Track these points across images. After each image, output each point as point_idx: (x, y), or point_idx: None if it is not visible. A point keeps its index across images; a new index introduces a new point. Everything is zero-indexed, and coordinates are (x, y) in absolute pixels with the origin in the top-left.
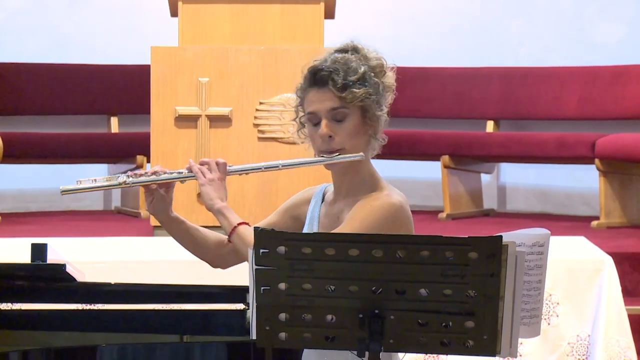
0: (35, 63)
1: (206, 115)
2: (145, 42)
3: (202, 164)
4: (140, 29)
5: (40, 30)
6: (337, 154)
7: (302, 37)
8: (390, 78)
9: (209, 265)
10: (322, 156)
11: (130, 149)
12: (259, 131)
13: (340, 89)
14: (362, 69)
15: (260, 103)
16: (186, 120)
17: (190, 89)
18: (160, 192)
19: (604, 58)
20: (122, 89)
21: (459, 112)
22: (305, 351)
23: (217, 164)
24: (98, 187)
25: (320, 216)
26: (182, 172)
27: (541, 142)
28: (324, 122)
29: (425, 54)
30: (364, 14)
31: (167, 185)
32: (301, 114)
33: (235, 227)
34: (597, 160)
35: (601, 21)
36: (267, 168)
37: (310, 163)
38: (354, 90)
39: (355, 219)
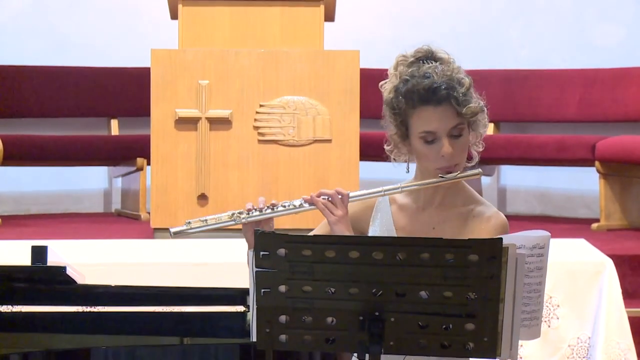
0: (35, 65)
1: (206, 118)
2: (146, 45)
3: (321, 195)
4: (141, 32)
5: (41, 32)
6: (456, 173)
7: (302, 39)
8: (464, 75)
9: (209, 268)
10: (441, 176)
11: (130, 152)
12: (259, 134)
13: (461, 106)
14: (467, 80)
15: (261, 105)
16: (186, 123)
17: (190, 92)
18: (269, 224)
19: (604, 60)
20: (122, 92)
21: None
22: None
23: (340, 194)
24: (209, 227)
25: (400, 225)
26: (298, 205)
27: (541, 145)
28: (446, 141)
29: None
30: (364, 16)
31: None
32: (401, 129)
33: None
34: (597, 163)
35: (601, 23)
36: (387, 191)
37: (430, 184)
38: (471, 105)
39: None
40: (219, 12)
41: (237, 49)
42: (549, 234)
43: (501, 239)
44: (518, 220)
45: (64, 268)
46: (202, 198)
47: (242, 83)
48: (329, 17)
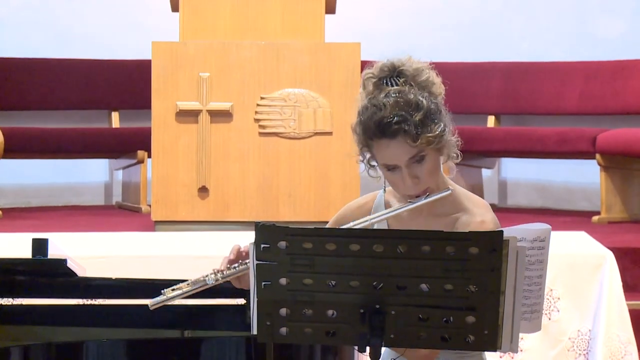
0: (36, 58)
1: (207, 110)
2: (146, 37)
3: None
4: (141, 24)
5: (42, 25)
6: (425, 195)
7: (303, 31)
8: (438, 84)
9: (210, 260)
10: (410, 201)
11: (131, 144)
12: (260, 126)
13: (415, 138)
14: (424, 102)
15: (261, 98)
16: (187, 115)
17: (191, 84)
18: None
19: (605, 53)
20: (123, 84)
21: (460, 107)
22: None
23: None
24: (186, 293)
25: None
26: None
27: (542, 137)
28: (405, 172)
29: (426, 48)
30: (365, 8)
31: None
32: (368, 155)
33: None
34: (598, 155)
35: (602, 16)
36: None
37: (400, 210)
38: (428, 135)
39: None
40: (220, 4)
41: (238, 41)
42: (550, 227)
43: (502, 231)
44: (519, 213)
45: (65, 261)
46: (203, 190)
47: (243, 75)
48: (330, 9)
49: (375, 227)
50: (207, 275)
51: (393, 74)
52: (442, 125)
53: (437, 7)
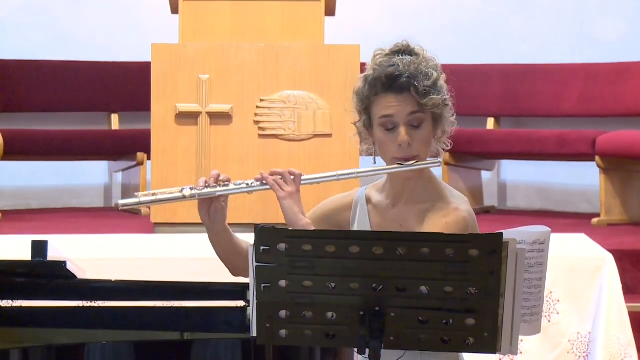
0: (36, 60)
1: (207, 112)
2: (146, 39)
3: (273, 174)
4: (141, 26)
5: (41, 27)
6: (414, 161)
7: (302, 34)
8: (444, 78)
9: (209, 263)
10: (399, 164)
11: (130, 146)
12: (260, 128)
13: (422, 96)
14: (435, 74)
15: (261, 100)
16: (187, 117)
17: (191, 86)
18: (219, 202)
19: (604, 55)
20: (123, 86)
21: (459, 109)
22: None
23: (292, 174)
24: (158, 200)
25: (375, 223)
26: (251, 183)
27: (542, 139)
28: (403, 129)
29: (425, 50)
30: (364, 10)
31: (226, 195)
32: (365, 117)
33: None
34: (597, 158)
35: (602, 18)
36: (341, 177)
37: (387, 171)
38: (433, 97)
39: None
40: (220, 6)
41: (237, 44)
42: (550, 229)
43: (501, 233)
44: (518, 215)
45: (64, 263)
46: None
47: (243, 77)
48: (330, 11)
49: (358, 217)
50: (182, 189)
51: (405, 50)
52: (447, 98)
53: (436, 9)
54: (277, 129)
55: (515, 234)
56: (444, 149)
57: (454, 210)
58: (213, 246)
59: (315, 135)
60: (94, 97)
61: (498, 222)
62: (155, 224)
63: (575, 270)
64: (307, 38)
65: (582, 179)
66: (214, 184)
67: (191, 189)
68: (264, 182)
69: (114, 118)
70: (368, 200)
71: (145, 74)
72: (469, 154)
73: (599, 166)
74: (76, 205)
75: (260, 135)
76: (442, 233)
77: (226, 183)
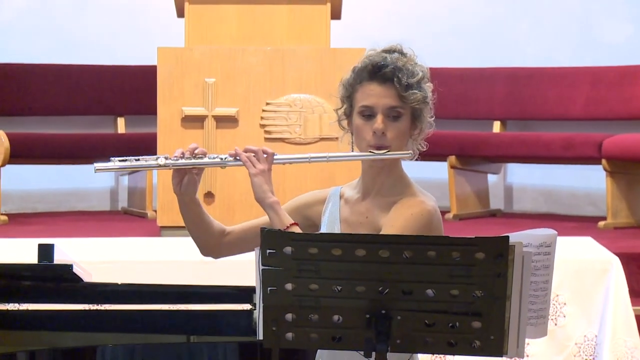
0: (42, 64)
1: (213, 116)
2: (152, 43)
3: (247, 151)
4: (147, 30)
5: (47, 30)
6: (385, 150)
7: (308, 37)
8: (430, 86)
9: (215, 266)
10: (371, 152)
11: (136, 150)
12: (266, 131)
13: (404, 88)
14: (420, 74)
15: (267, 103)
16: (193, 121)
17: (197, 90)
18: (192, 174)
19: (611, 58)
20: (129, 90)
21: (465, 113)
22: (318, 352)
23: (265, 153)
24: (133, 166)
25: (343, 216)
26: (225, 158)
27: (548, 143)
28: (380, 117)
29: (431, 54)
30: (370, 14)
31: (200, 168)
32: (346, 105)
33: (287, 227)
34: (604, 161)
35: (608, 21)
36: (313, 159)
37: (358, 157)
38: (415, 92)
39: (395, 227)
40: (226, 10)
41: (243, 47)
42: (556, 232)
43: (508, 237)
44: (524, 218)
45: (71, 266)
46: (209, 196)
47: (249, 81)
48: (336, 14)
49: (329, 210)
50: (158, 157)
51: (397, 50)
52: (428, 97)
53: (442, 12)
54: (283, 133)
55: (521, 237)
56: (419, 150)
57: (420, 202)
58: (183, 219)
59: (322, 139)
60: (100, 101)
61: (504, 225)
62: (162, 227)
63: (581, 273)
64: (313, 41)
65: (589, 182)
66: (189, 156)
67: (166, 158)
68: (238, 157)
69: (120, 121)
70: (341, 196)
71: (152, 77)
72: (475, 157)
73: (605, 169)
74: (82, 208)
75: (267, 139)
76: (448, 236)
77: (201, 156)
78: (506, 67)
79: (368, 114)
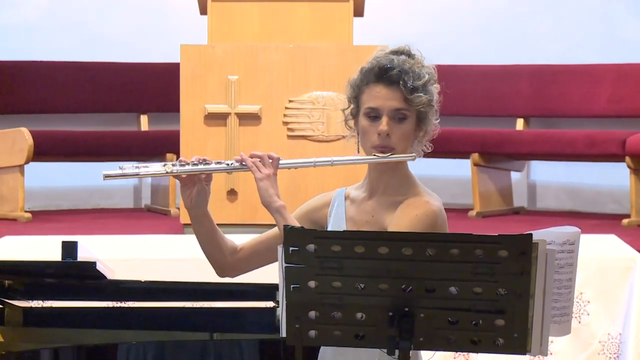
0: (66, 61)
1: (235, 113)
2: (175, 40)
3: (252, 156)
4: (170, 27)
5: (71, 28)
6: (390, 153)
7: (331, 34)
8: (437, 88)
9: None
10: (375, 155)
11: (160, 147)
12: (289, 129)
13: (409, 91)
14: (426, 76)
15: (290, 101)
16: (215, 118)
17: (220, 87)
18: (202, 184)
19: (634, 55)
20: (152, 87)
21: (488, 110)
22: (321, 350)
23: (271, 158)
24: (141, 174)
25: (349, 215)
26: (231, 164)
27: (571, 140)
28: (385, 119)
29: (454, 51)
30: (393, 12)
31: (209, 177)
32: (353, 106)
33: None
34: (627, 158)
35: (631, 18)
36: (319, 163)
37: (362, 161)
38: (420, 95)
39: (400, 227)
40: (248, 7)
41: (266, 44)
42: (579, 230)
43: (531, 234)
44: (548, 216)
45: (94, 263)
46: (232, 194)
47: (272, 78)
48: (358, 12)
49: (335, 211)
50: (165, 164)
51: (404, 52)
52: (434, 100)
53: (465, 9)
54: (305, 130)
55: (545, 234)
56: (424, 151)
57: (425, 203)
58: (196, 235)
59: (344, 136)
60: (124, 98)
61: (527, 223)
62: (185, 224)
63: (605, 271)
64: (335, 39)
65: (612, 180)
66: (195, 162)
67: (173, 165)
68: (244, 163)
69: (143, 119)
70: (347, 197)
71: (174, 75)
72: (499, 154)
73: (629, 167)
74: (106, 206)
75: (289, 136)
76: (471, 234)
77: (207, 162)
78: (530, 64)
79: (374, 115)
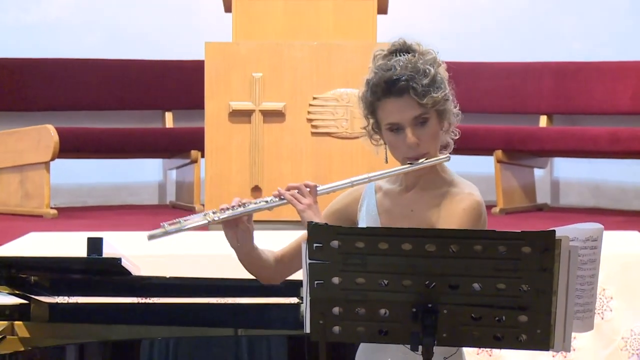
0: (91, 58)
1: (260, 110)
2: (200, 38)
3: (289, 189)
4: (195, 25)
5: (96, 26)
6: (423, 159)
7: (355, 32)
8: (444, 68)
9: None
10: (409, 163)
11: (184, 144)
12: (313, 126)
13: (421, 96)
14: (431, 70)
15: (314, 98)
16: (240, 115)
17: (244, 84)
18: (244, 224)
19: None
20: (177, 85)
21: (512, 107)
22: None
23: (308, 186)
24: (184, 228)
25: (384, 209)
26: (270, 200)
27: (594, 137)
28: (409, 131)
29: (478, 48)
30: (417, 9)
31: (250, 216)
32: (372, 121)
33: None
34: None
35: None
36: (356, 183)
37: (399, 171)
38: (433, 95)
39: (451, 224)
40: (273, 4)
41: (290, 42)
42: (602, 226)
43: (554, 231)
44: (571, 213)
45: (119, 260)
46: (256, 190)
47: (296, 76)
48: (382, 9)
49: (365, 206)
50: (205, 214)
51: (403, 48)
52: (446, 92)
53: (487, 7)
54: (329, 127)
55: (568, 231)
56: (453, 139)
57: (469, 195)
58: (242, 263)
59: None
60: (149, 96)
61: (551, 220)
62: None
63: (628, 267)
64: (359, 36)
65: (636, 177)
66: (235, 206)
67: (213, 212)
68: (282, 197)
69: (168, 116)
70: (377, 190)
71: (199, 72)
72: (522, 151)
73: None
74: (131, 202)
75: (313, 133)
76: (495, 230)
77: (246, 204)
78: (553, 61)
79: (396, 128)
